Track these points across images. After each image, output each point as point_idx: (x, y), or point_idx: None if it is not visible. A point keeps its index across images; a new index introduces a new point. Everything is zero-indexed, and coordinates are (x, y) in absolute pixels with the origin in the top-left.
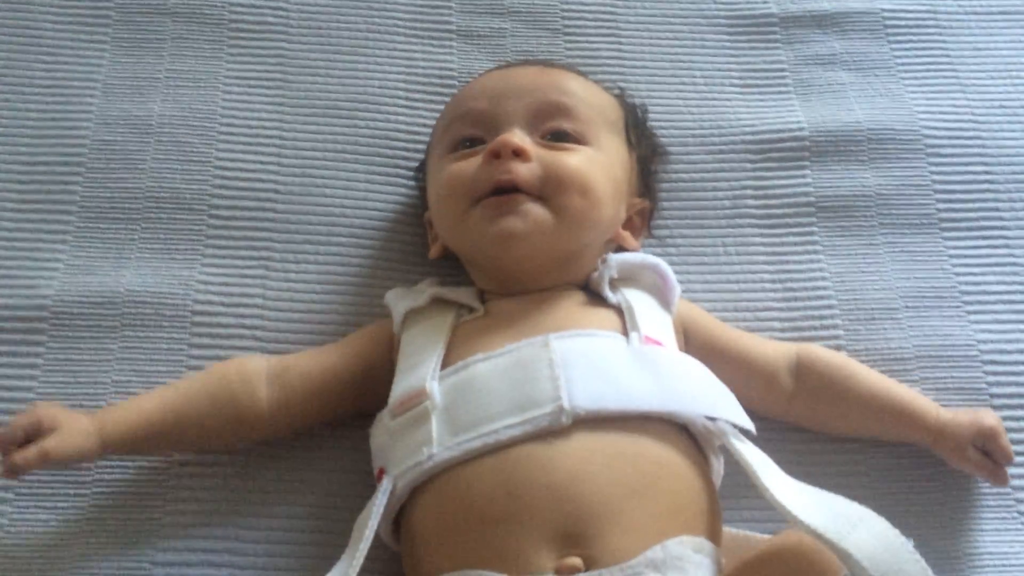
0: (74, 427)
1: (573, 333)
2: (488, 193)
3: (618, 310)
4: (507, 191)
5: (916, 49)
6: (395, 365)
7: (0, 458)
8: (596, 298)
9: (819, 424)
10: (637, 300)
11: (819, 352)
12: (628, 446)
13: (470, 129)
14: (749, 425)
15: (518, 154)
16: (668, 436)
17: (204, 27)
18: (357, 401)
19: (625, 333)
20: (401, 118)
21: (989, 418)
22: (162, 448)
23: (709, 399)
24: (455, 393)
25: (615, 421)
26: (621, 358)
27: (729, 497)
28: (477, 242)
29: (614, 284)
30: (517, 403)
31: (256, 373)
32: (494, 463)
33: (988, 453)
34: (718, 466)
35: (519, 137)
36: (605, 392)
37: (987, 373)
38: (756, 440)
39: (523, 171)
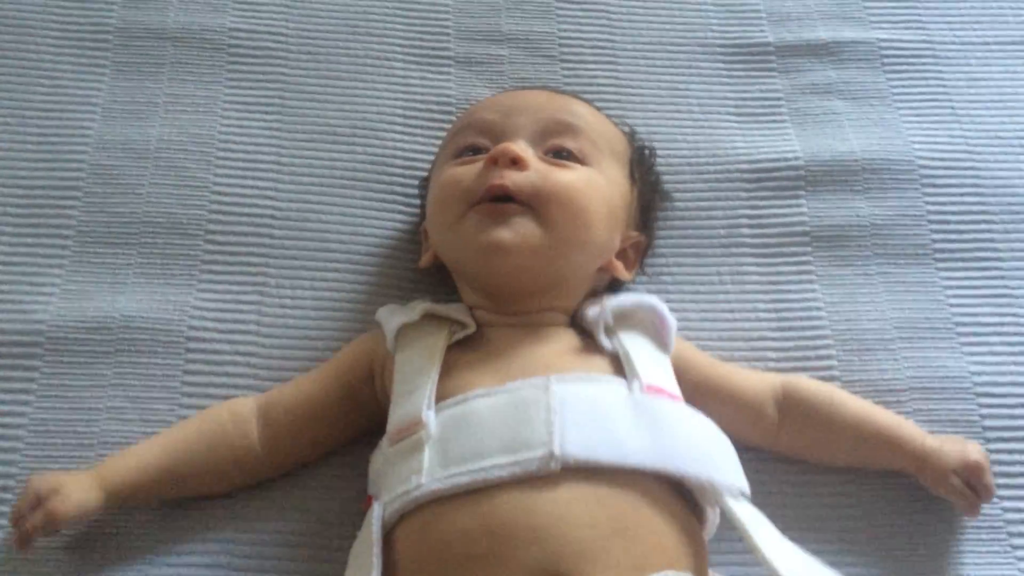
0: (73, 485)
1: (576, 377)
2: (481, 199)
3: (614, 357)
4: (500, 199)
5: (912, 79)
6: (377, 381)
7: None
8: (592, 341)
9: (806, 454)
10: (634, 345)
11: (803, 382)
12: (615, 497)
13: (477, 138)
14: (746, 488)
15: (516, 162)
16: (659, 489)
17: (203, 52)
18: (347, 425)
19: (626, 378)
20: (399, 144)
21: (975, 452)
22: (163, 494)
23: (705, 460)
24: (450, 425)
25: (606, 472)
26: (620, 408)
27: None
28: (466, 250)
29: (609, 329)
30: (509, 443)
31: (247, 414)
32: (479, 501)
33: (971, 486)
34: (714, 517)
35: (520, 147)
36: (598, 443)
37: (981, 406)
38: (750, 478)
39: (518, 179)
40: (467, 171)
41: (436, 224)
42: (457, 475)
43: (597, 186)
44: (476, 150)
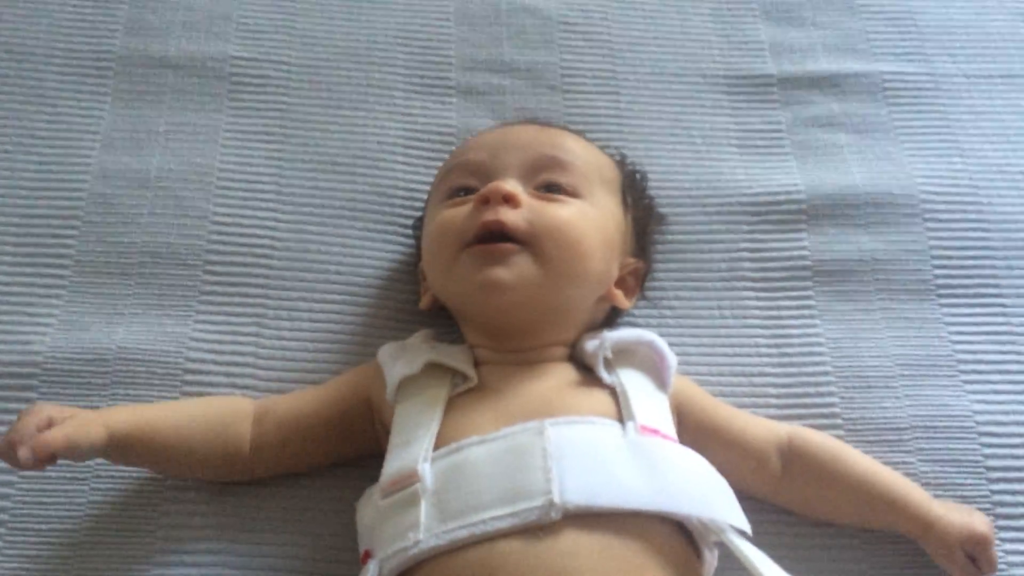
0: (82, 417)
1: (570, 420)
2: (475, 237)
3: (614, 391)
4: (494, 235)
5: (915, 112)
6: (378, 422)
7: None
8: (591, 375)
9: (807, 508)
10: (632, 382)
11: (810, 436)
12: (616, 543)
13: (466, 179)
14: (746, 526)
15: (508, 200)
16: (660, 531)
17: (205, 80)
18: (333, 447)
19: (621, 418)
20: (399, 175)
21: (981, 524)
22: (152, 459)
23: (706, 498)
24: (446, 477)
25: (606, 516)
26: (616, 450)
27: None
28: (463, 290)
29: (609, 363)
30: (507, 494)
31: (244, 414)
32: (480, 558)
33: (973, 559)
34: (711, 559)
35: (511, 185)
36: (598, 487)
37: (983, 445)
38: (753, 526)
39: (511, 216)
40: (458, 212)
41: (432, 267)
42: (456, 530)
43: (590, 218)
44: (467, 191)
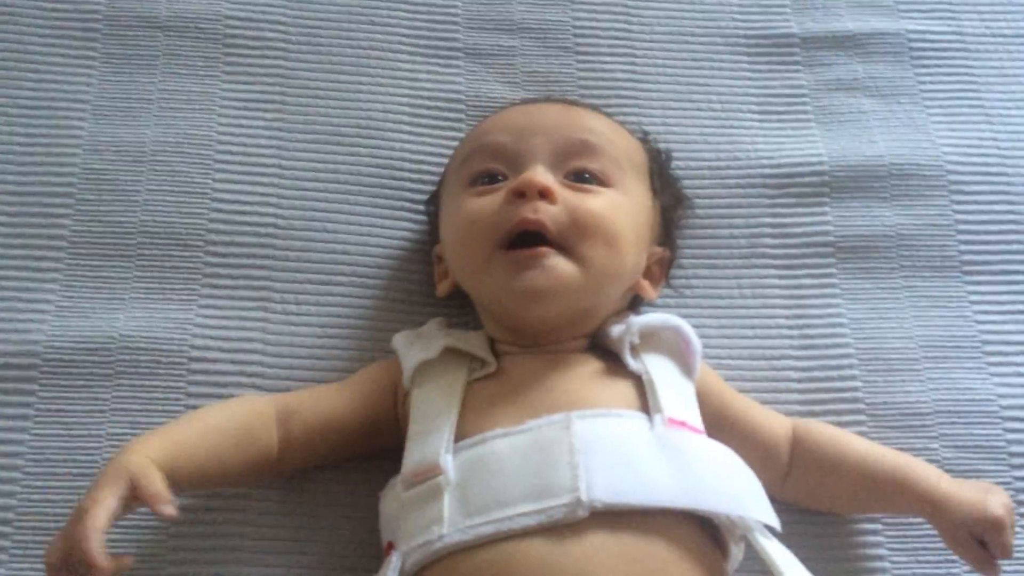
0: (137, 468)
1: (596, 413)
2: (510, 235)
3: (638, 379)
4: (531, 235)
5: (941, 74)
6: (400, 413)
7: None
8: (614, 364)
9: (812, 500)
10: (659, 369)
11: (813, 425)
12: (640, 546)
13: (491, 163)
14: (775, 522)
15: (544, 194)
16: (686, 530)
17: (198, 42)
18: (362, 444)
19: (647, 408)
20: (406, 145)
21: (997, 505)
22: (188, 483)
23: (735, 495)
24: (470, 470)
25: (632, 514)
26: (644, 445)
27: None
28: (497, 294)
29: (634, 349)
30: (533, 490)
31: (269, 417)
32: (503, 555)
33: (985, 544)
34: (737, 552)
35: (544, 175)
36: (626, 484)
37: (1007, 431)
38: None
39: (550, 212)
40: (487, 203)
41: (461, 265)
42: (480, 525)
43: (624, 209)
44: (492, 177)
